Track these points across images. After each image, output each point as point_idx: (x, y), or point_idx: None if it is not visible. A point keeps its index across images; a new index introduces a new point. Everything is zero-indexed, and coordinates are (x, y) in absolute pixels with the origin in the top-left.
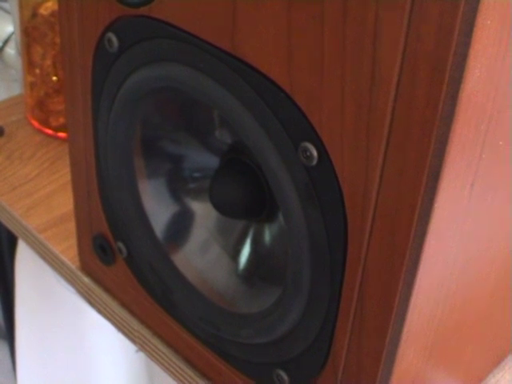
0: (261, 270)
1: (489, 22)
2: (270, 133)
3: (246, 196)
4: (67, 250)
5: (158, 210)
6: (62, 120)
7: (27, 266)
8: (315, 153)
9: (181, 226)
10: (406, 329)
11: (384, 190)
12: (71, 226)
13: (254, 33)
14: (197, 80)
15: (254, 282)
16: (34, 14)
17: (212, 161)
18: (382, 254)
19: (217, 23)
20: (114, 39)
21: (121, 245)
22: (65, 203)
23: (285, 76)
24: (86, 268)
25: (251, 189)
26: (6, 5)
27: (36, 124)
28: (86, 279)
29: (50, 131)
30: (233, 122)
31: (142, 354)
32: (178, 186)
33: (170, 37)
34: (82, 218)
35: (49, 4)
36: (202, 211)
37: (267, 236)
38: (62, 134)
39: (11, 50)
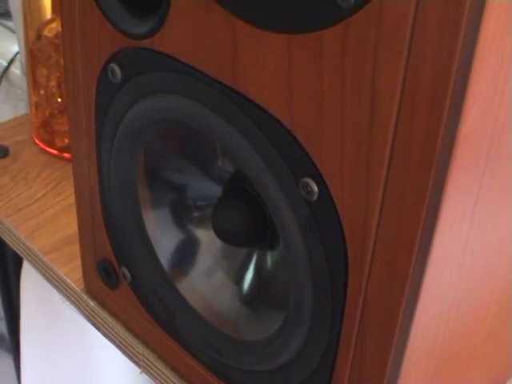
0: (264, 296)
1: (486, 63)
2: (271, 166)
3: (248, 224)
4: (72, 272)
5: (162, 237)
6: (66, 141)
7: (32, 285)
8: (316, 188)
9: (185, 252)
10: (406, 357)
11: (383, 224)
12: (76, 247)
13: (254, 68)
14: (199, 112)
15: (257, 307)
16: (39, 36)
17: (214, 189)
18: (382, 285)
19: (218, 57)
20: (118, 70)
21: (125, 270)
22: (70, 224)
23: (285, 111)
24: (90, 291)
25: (253, 217)
26: (11, 24)
27: (41, 144)
28: (91, 302)
29: (55, 151)
30: (234, 154)
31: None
32: (181, 214)
33: (171, 69)
34: (87, 242)
35: (53, 25)
36: (206, 238)
37: (270, 262)
38: (67, 155)
39: (16, 70)
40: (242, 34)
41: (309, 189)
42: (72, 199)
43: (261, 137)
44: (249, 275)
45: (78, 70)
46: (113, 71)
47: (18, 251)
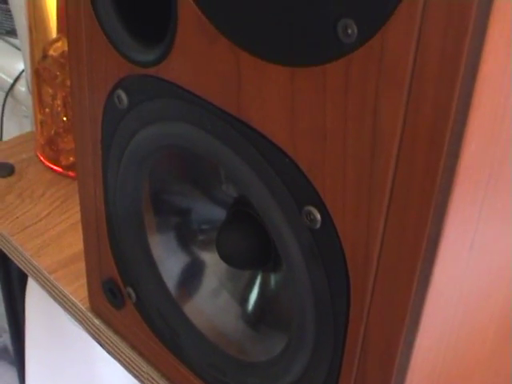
0: (268, 317)
1: (484, 102)
2: (275, 194)
3: (251, 247)
4: (77, 290)
5: (167, 259)
6: (72, 159)
7: (37, 301)
8: (319, 216)
9: (190, 274)
10: (408, 380)
11: (385, 253)
12: (82, 265)
13: (258, 98)
14: (203, 140)
15: (261, 328)
16: (45, 56)
17: (219, 213)
18: (384, 312)
19: (223, 87)
20: (124, 96)
21: (130, 290)
22: (75, 242)
23: (288, 141)
24: (95, 309)
25: (257, 240)
26: (16, 41)
27: (46, 162)
28: (96, 320)
29: (60, 169)
30: (238, 181)
31: None
32: (186, 237)
33: (177, 97)
34: (92, 262)
35: (59, 44)
36: (211, 260)
37: (273, 284)
38: (72, 173)
39: (22, 87)
40: (246, 65)
41: (312, 217)
42: (77, 217)
43: (264, 165)
44: (253, 296)
45: (84, 95)
46: (119, 97)
47: (23, 269)
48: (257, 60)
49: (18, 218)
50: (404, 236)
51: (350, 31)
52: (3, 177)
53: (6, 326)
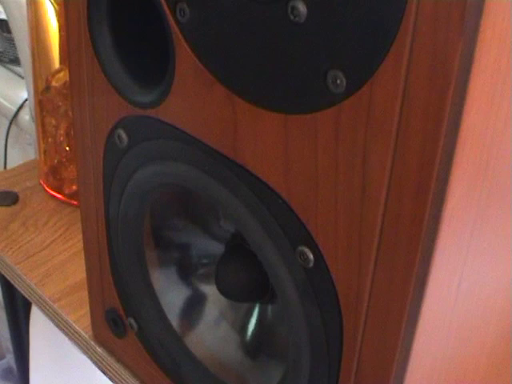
0: (266, 347)
1: (467, 152)
2: (270, 234)
3: (249, 281)
4: (81, 319)
5: (168, 292)
6: (74, 187)
7: (41, 326)
8: (312, 256)
9: (190, 306)
10: None
11: (375, 291)
12: (85, 294)
13: (253, 143)
14: (200, 180)
15: (259, 358)
16: (48, 87)
17: (217, 247)
18: (375, 347)
19: (219, 131)
20: (124, 136)
21: (132, 321)
22: (79, 271)
23: (282, 184)
24: (98, 338)
25: (254, 274)
26: (20, 70)
27: (50, 190)
28: (99, 348)
29: (63, 198)
30: (234, 220)
31: None
32: (187, 271)
33: (175, 138)
34: (95, 292)
35: (61, 75)
36: (212, 292)
37: (270, 315)
38: (74, 201)
39: (26, 116)
40: (241, 110)
41: (305, 257)
42: (80, 246)
43: (260, 206)
44: (251, 327)
45: (86, 132)
46: (119, 136)
47: (28, 297)
48: (251, 106)
49: (22, 246)
50: (393, 276)
51: (339, 82)
52: (8, 205)
53: (10, 346)
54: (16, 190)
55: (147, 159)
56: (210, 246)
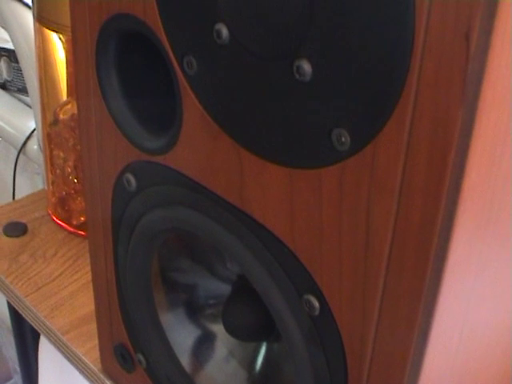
0: (273, 383)
1: (469, 211)
2: (276, 280)
3: (255, 322)
4: (90, 351)
5: (177, 331)
6: (82, 218)
7: (50, 355)
8: (317, 304)
9: (199, 344)
10: None
11: (379, 339)
12: (94, 326)
13: (259, 193)
14: (207, 226)
15: None
16: (56, 121)
17: (224, 288)
18: None
19: (226, 180)
20: (132, 180)
21: (140, 356)
22: (87, 303)
23: (288, 234)
24: (107, 371)
25: (260, 315)
26: (28, 99)
27: (58, 221)
28: (108, 382)
29: (71, 229)
30: (241, 266)
31: None
32: (195, 311)
33: (182, 185)
34: (104, 328)
35: (68, 107)
36: (220, 331)
37: (277, 353)
38: (82, 232)
39: (34, 145)
40: (247, 161)
41: (311, 305)
42: (88, 277)
43: (266, 254)
44: (259, 364)
45: (95, 174)
46: (128, 180)
47: (37, 329)
48: (257, 158)
49: (31, 278)
50: (397, 325)
51: (343, 140)
52: (17, 236)
53: (17, 367)
54: (25, 220)
55: (155, 203)
56: (216, 287)
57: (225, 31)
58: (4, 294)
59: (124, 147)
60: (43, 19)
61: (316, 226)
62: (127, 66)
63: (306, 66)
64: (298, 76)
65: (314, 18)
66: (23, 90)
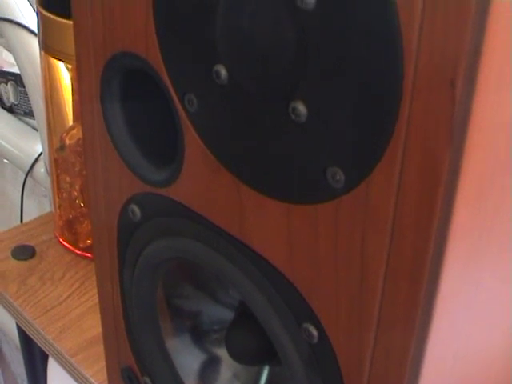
0: None
1: (459, 243)
2: (276, 309)
3: (257, 346)
4: (98, 373)
5: (182, 356)
6: (89, 241)
7: (59, 377)
8: (315, 333)
9: (204, 368)
10: None
11: (375, 365)
12: (101, 348)
13: (259, 226)
14: (210, 256)
15: None
16: (62, 146)
17: (228, 314)
18: None
19: (226, 212)
20: (137, 210)
21: (147, 379)
22: (95, 325)
23: (286, 265)
24: None
25: (262, 339)
26: (34, 122)
27: (65, 244)
28: None
29: (78, 251)
30: (242, 295)
31: None
32: (200, 336)
33: (185, 216)
34: (111, 351)
35: (74, 131)
36: (225, 355)
37: (279, 375)
38: (89, 255)
39: (41, 168)
40: (246, 196)
41: (309, 333)
42: (95, 299)
43: (266, 283)
44: None
45: (100, 203)
46: (133, 211)
47: (46, 351)
48: (257, 193)
49: (40, 301)
50: (392, 352)
51: (338, 178)
52: (25, 259)
53: None
54: (32, 243)
55: (159, 233)
56: (220, 313)
57: (223, 72)
58: (13, 316)
59: (128, 178)
60: (49, 48)
61: (313, 258)
62: (131, 100)
63: (302, 108)
64: (293, 117)
65: (309, 63)
66: (30, 114)
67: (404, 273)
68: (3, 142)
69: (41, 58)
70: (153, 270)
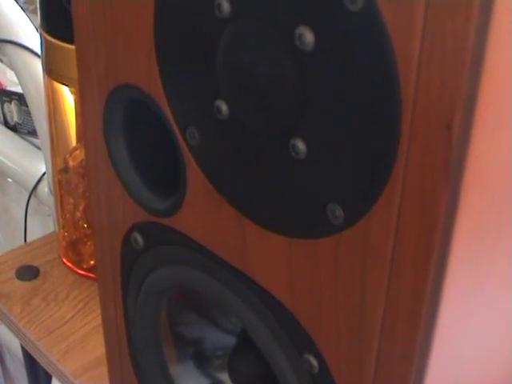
0: None
1: (457, 281)
2: (277, 339)
3: (259, 372)
4: None
5: (186, 380)
6: (93, 262)
7: None
8: (316, 364)
9: None
10: None
11: None
12: (105, 369)
13: (260, 258)
14: (212, 286)
15: None
16: (66, 168)
17: (231, 340)
18: None
19: (228, 244)
20: (140, 239)
21: None
22: (99, 346)
23: (288, 297)
24: None
25: (264, 365)
26: (38, 141)
27: (69, 264)
28: None
29: (82, 272)
30: (244, 324)
31: None
32: (203, 362)
33: (187, 246)
34: (115, 373)
35: (77, 153)
36: (228, 379)
37: None
38: (93, 275)
39: (44, 188)
40: (249, 229)
41: (310, 363)
42: (99, 320)
43: (268, 314)
44: None
45: (104, 230)
46: (135, 239)
47: (50, 372)
48: (258, 227)
49: (43, 321)
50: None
51: (337, 214)
52: (29, 280)
53: None
54: (36, 264)
55: (162, 262)
56: (223, 339)
57: (224, 107)
58: (17, 337)
59: (131, 207)
60: (52, 72)
61: (314, 291)
62: (134, 130)
63: (301, 145)
64: (293, 154)
65: (308, 102)
66: (34, 133)
67: (403, 307)
68: (7, 161)
69: (44, 80)
70: (156, 296)
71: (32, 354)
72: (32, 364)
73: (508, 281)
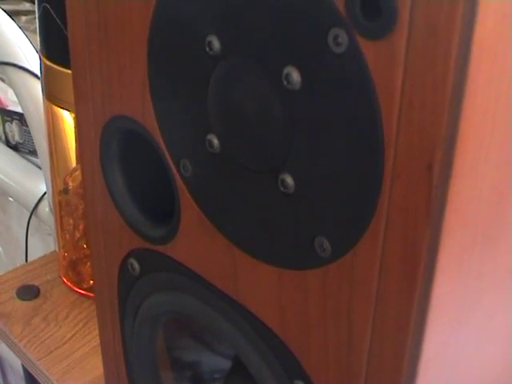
0: None
1: (439, 313)
2: (269, 366)
3: None
4: None
5: None
6: (92, 282)
7: None
8: None
9: None
10: None
11: None
12: None
13: (252, 287)
14: (206, 313)
15: None
16: (66, 189)
17: (227, 363)
18: None
19: (221, 273)
20: (136, 265)
21: None
22: (98, 366)
23: (278, 325)
24: None
25: None
26: (38, 161)
27: (69, 284)
28: None
29: (82, 291)
30: (236, 350)
31: None
32: None
33: (182, 273)
34: None
35: (77, 173)
36: None
37: None
38: (93, 295)
39: (45, 207)
40: (240, 259)
41: None
42: (98, 340)
43: (259, 341)
44: None
45: (101, 255)
46: (132, 265)
47: None
48: (250, 257)
49: (44, 341)
50: None
51: (325, 247)
52: (29, 299)
53: None
54: (37, 283)
55: (157, 288)
56: (219, 362)
57: (216, 142)
58: (18, 357)
59: (128, 233)
60: (52, 96)
61: (303, 320)
62: (130, 159)
63: (289, 180)
64: (282, 188)
65: (296, 139)
66: (35, 153)
67: (389, 338)
68: (8, 181)
69: (44, 102)
70: (152, 321)
71: (32, 374)
72: (33, 382)
73: (494, 310)
